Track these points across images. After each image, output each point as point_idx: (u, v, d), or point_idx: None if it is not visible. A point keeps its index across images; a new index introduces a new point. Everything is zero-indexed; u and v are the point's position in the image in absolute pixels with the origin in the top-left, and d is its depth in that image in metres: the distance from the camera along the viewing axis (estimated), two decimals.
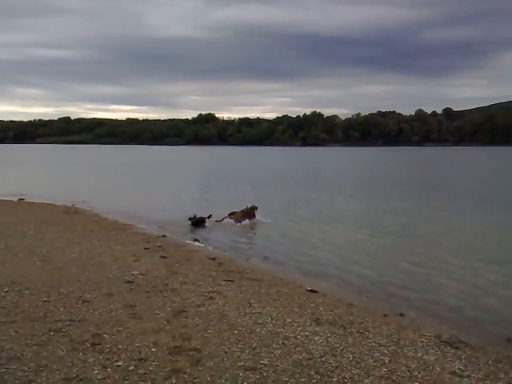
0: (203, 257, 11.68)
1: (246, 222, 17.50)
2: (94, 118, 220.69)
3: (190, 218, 16.66)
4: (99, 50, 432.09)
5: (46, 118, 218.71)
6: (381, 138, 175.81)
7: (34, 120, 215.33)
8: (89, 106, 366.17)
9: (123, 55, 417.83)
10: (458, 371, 5.90)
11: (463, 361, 6.27)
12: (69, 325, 6.51)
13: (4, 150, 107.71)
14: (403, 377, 5.57)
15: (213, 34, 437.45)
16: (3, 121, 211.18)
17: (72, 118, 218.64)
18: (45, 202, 21.87)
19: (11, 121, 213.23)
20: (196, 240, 14.29)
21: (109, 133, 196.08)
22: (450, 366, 6.03)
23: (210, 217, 16.75)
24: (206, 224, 16.75)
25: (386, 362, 5.96)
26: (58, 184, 32.78)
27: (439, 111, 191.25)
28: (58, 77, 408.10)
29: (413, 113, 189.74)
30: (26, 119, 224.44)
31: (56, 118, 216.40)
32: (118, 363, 5.44)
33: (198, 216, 16.74)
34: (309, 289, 9.31)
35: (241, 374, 5.34)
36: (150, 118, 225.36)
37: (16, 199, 22.52)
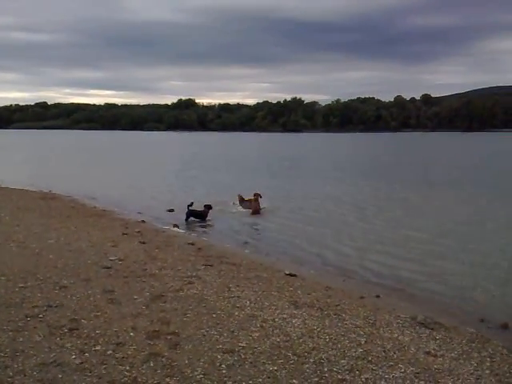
0: (182, 242, 11.68)
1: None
2: (71, 103, 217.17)
3: (189, 205, 15.36)
4: (77, 33, 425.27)
5: (23, 103, 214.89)
6: (360, 124, 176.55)
7: (10, 105, 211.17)
8: (66, 90, 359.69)
9: (102, 39, 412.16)
10: (432, 351, 6.02)
11: (437, 341, 6.41)
12: (46, 310, 6.47)
13: None
14: (378, 357, 5.67)
15: (192, 19, 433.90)
16: None
17: (49, 103, 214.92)
18: (21, 188, 21.56)
19: None
20: (175, 226, 14.26)
21: (87, 118, 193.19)
22: (425, 347, 6.16)
23: (191, 204, 15.38)
24: (208, 218, 15.54)
25: (362, 342, 6.07)
26: (35, 170, 32.33)
27: (418, 97, 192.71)
28: (35, 61, 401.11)
29: (392, 99, 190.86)
30: (1, 104, 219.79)
31: (33, 103, 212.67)
32: (96, 348, 5.43)
33: (192, 206, 15.37)
34: (287, 273, 9.39)
35: (219, 357, 5.38)
36: (129, 104, 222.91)
37: None
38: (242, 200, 17.61)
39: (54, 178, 25.88)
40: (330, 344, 5.92)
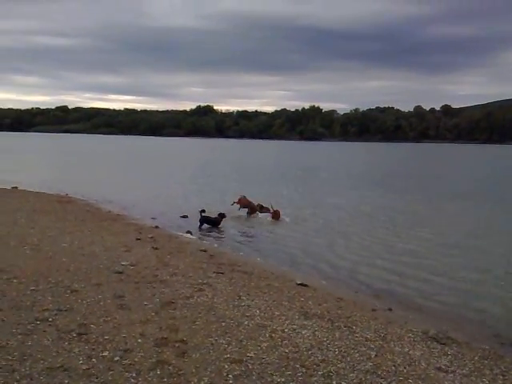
0: (195, 249, 11.67)
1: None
2: (91, 108, 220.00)
3: (201, 212, 15.41)
4: (99, 38, 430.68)
5: (44, 107, 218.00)
6: (379, 133, 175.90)
7: (32, 108, 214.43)
8: (87, 95, 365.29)
9: (123, 44, 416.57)
10: (443, 367, 5.91)
11: (449, 357, 6.30)
12: (56, 314, 6.48)
13: (1, 138, 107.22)
14: (388, 371, 5.58)
15: (213, 25, 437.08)
16: (1, 108, 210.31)
17: (70, 107, 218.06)
18: (38, 190, 21.80)
19: (9, 108, 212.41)
20: (188, 232, 14.27)
21: (106, 123, 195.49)
22: (436, 362, 6.05)
23: (203, 211, 15.40)
24: (221, 225, 15.49)
25: (372, 356, 5.98)
26: (53, 173, 32.67)
27: (438, 108, 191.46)
28: (57, 65, 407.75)
29: (412, 109, 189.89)
30: (23, 107, 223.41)
31: (53, 107, 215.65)
32: (104, 353, 5.43)
33: (206, 213, 15.38)
34: (299, 282, 9.32)
35: (226, 367, 5.34)
36: (149, 109, 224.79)
37: (10, 187, 22.43)
38: (261, 208, 17.69)
39: (70, 182, 26.15)
40: (340, 357, 5.84)
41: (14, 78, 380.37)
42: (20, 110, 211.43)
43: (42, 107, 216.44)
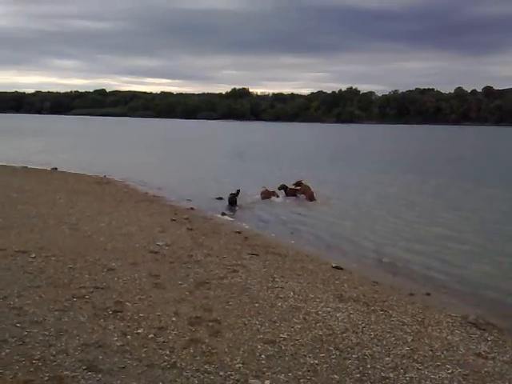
0: (229, 230, 11.68)
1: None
2: (128, 91, 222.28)
3: (231, 194, 15.92)
4: (136, 22, 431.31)
5: (82, 90, 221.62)
6: (418, 115, 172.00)
7: (71, 92, 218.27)
8: (124, 78, 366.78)
9: (159, 28, 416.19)
10: (483, 353, 5.75)
11: (489, 343, 6.12)
12: (92, 291, 6.58)
13: (41, 121, 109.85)
14: (425, 356, 5.45)
15: (247, 7, 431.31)
16: (41, 92, 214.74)
17: (107, 90, 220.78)
18: (77, 172, 22.22)
19: (48, 92, 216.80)
20: (224, 214, 14.30)
21: (143, 106, 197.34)
22: (475, 348, 5.89)
23: (238, 192, 15.92)
24: (238, 204, 15.88)
25: (409, 340, 5.85)
26: (92, 155, 33.21)
27: (480, 90, 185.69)
28: (95, 49, 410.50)
29: (452, 91, 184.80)
30: (62, 90, 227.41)
31: (92, 90, 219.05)
32: (138, 331, 5.47)
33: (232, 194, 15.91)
34: (334, 265, 9.20)
35: (259, 347, 5.31)
36: (185, 92, 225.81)
37: (49, 169, 22.94)
38: (290, 190, 17.59)
39: (109, 164, 26.51)
40: (375, 340, 5.73)
41: (53, 62, 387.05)
42: (59, 93, 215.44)
43: (80, 90, 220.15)
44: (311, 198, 17.06)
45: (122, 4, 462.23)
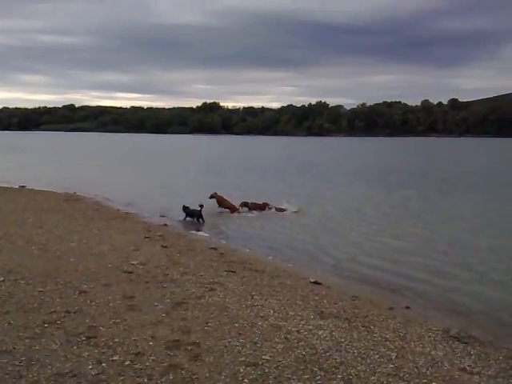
0: (204, 246, 11.46)
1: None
2: (98, 106, 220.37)
3: (184, 208, 15.84)
4: (105, 36, 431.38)
5: (51, 106, 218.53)
6: (386, 128, 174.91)
7: (39, 107, 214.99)
8: (94, 93, 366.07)
9: (129, 42, 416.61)
10: (468, 368, 5.67)
11: (473, 357, 6.05)
12: (64, 316, 6.29)
13: (8, 138, 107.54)
14: (411, 374, 5.35)
15: (219, 22, 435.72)
16: (8, 108, 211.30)
17: (76, 105, 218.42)
18: (46, 189, 21.67)
19: (16, 108, 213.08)
20: (198, 230, 14.07)
21: (113, 121, 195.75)
22: (460, 363, 5.81)
23: (201, 207, 15.54)
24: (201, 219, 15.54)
25: (393, 357, 5.74)
26: (61, 172, 32.51)
27: (446, 102, 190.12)
28: (63, 64, 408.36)
29: (419, 103, 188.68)
30: (30, 106, 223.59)
31: (60, 106, 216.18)
32: (114, 358, 5.22)
33: (191, 207, 15.78)
34: (312, 281, 9.08)
35: (241, 370, 5.12)
36: (155, 107, 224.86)
37: (17, 186, 22.33)
38: (253, 205, 17.60)
39: (78, 180, 25.98)
40: (359, 359, 5.60)
41: (21, 77, 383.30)
42: (27, 108, 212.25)
43: (48, 106, 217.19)
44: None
45: (91, 19, 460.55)
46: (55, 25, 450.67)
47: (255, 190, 22.03)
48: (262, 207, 17.63)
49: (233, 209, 17.35)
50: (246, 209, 17.57)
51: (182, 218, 15.73)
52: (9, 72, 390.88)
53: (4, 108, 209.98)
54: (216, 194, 17.47)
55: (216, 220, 15.95)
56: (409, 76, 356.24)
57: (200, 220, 15.46)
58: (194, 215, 15.62)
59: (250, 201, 17.79)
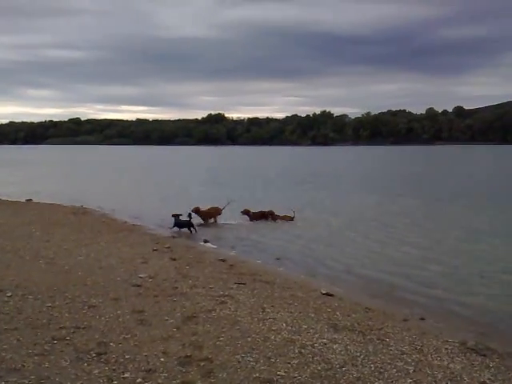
0: (213, 258, 11.33)
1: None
2: (104, 119, 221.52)
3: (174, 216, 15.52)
4: (111, 50, 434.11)
5: (57, 119, 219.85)
6: (391, 136, 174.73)
7: (45, 121, 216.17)
8: (99, 106, 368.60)
9: (135, 56, 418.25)
10: (487, 381, 5.50)
11: (492, 370, 5.87)
12: (73, 332, 6.18)
13: (15, 152, 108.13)
14: None
15: (223, 34, 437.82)
16: (15, 122, 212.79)
17: (82, 118, 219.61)
18: (53, 202, 21.64)
19: (22, 122, 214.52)
20: (206, 241, 13.95)
21: (119, 133, 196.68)
22: (479, 376, 5.63)
23: (190, 216, 15.47)
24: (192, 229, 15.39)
25: (411, 371, 5.58)
26: (68, 185, 32.57)
27: (451, 110, 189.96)
28: (69, 78, 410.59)
29: (424, 112, 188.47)
30: (36, 120, 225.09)
31: (66, 119, 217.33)
32: (125, 375, 5.10)
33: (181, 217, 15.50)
34: (324, 292, 8.92)
35: None
36: (161, 119, 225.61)
37: (24, 200, 22.31)
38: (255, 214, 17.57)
39: (85, 193, 25.96)
40: (376, 373, 5.44)
41: (27, 92, 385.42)
42: (33, 123, 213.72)
43: (54, 120, 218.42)
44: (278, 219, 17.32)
45: (96, 33, 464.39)
46: (61, 39, 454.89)
47: (258, 199, 21.93)
48: (265, 216, 17.50)
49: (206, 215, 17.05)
50: (247, 217, 17.44)
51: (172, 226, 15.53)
52: (16, 87, 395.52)
53: (11, 122, 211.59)
54: (198, 208, 16.94)
55: (224, 231, 15.80)
56: (413, 84, 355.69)
57: (192, 229, 15.35)
58: (183, 225, 15.45)
59: (252, 210, 17.68)
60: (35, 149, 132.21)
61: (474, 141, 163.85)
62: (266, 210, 17.75)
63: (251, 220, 17.35)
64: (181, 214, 15.56)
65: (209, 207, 17.36)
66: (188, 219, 15.43)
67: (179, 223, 15.50)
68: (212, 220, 17.15)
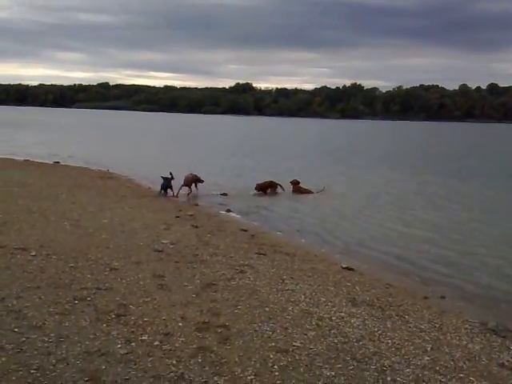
0: (235, 228, 11.35)
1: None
2: (132, 85, 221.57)
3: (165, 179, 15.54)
4: (140, 15, 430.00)
5: (86, 83, 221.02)
6: (422, 112, 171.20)
7: (74, 85, 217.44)
8: (127, 72, 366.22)
9: (164, 21, 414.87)
10: (506, 363, 5.43)
11: (511, 352, 5.79)
12: (94, 293, 6.28)
13: (44, 114, 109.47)
14: (447, 367, 5.14)
15: (253, 1, 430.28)
16: (44, 84, 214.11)
17: (111, 83, 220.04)
18: (80, 165, 21.91)
19: (52, 85, 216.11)
20: (229, 210, 13.97)
21: (147, 100, 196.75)
22: (498, 357, 5.56)
23: (171, 175, 15.60)
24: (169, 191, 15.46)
25: (428, 349, 5.53)
26: (95, 149, 32.84)
27: (484, 87, 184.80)
28: (98, 42, 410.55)
29: (457, 88, 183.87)
30: (65, 83, 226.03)
31: (95, 84, 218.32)
32: (143, 337, 5.17)
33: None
34: (344, 266, 8.88)
35: (271, 356, 5.00)
36: (188, 86, 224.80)
37: (52, 162, 22.63)
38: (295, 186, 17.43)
39: (112, 158, 26.15)
40: (393, 349, 5.41)
41: (57, 55, 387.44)
42: (62, 86, 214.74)
43: (83, 84, 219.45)
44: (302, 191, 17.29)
45: None
46: (90, 3, 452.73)
47: (279, 171, 21.91)
48: (271, 187, 17.36)
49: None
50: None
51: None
52: (45, 49, 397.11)
53: (40, 85, 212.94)
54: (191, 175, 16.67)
55: (248, 201, 15.77)
56: (447, 59, 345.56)
57: (168, 191, 15.39)
58: (161, 187, 15.51)
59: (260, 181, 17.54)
60: (64, 112, 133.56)
61: (508, 119, 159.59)
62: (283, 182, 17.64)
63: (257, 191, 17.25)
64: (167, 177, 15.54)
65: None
66: (169, 178, 15.48)
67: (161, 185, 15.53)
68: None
